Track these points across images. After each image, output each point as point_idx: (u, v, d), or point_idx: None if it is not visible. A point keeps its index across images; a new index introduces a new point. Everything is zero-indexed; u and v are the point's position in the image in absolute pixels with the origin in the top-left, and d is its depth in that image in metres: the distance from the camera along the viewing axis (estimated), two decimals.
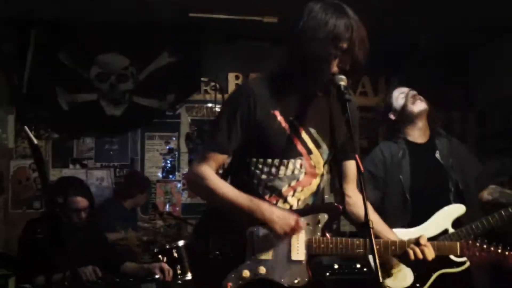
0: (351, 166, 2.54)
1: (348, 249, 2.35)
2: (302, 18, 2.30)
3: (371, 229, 2.05)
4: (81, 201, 3.74)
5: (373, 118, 6.47)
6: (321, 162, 2.44)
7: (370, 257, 3.21)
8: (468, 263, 3.22)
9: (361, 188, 2.11)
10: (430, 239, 3.10)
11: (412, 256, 2.36)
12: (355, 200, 2.55)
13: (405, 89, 3.64)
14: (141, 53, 6.03)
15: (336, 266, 4.33)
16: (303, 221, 2.33)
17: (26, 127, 1.81)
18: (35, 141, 1.78)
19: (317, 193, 2.49)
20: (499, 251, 2.51)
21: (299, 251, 2.33)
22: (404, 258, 2.39)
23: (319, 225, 2.37)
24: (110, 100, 6.00)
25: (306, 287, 2.32)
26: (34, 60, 5.84)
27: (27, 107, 5.92)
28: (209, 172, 2.36)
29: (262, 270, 2.31)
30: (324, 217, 2.38)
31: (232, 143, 2.36)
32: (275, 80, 2.39)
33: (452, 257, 3.17)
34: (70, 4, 5.34)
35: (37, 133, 5.91)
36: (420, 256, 2.36)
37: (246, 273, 2.30)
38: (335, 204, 2.43)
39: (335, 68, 2.28)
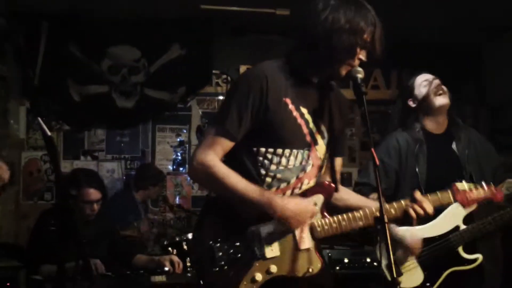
0: (338, 162, 2.53)
1: (351, 224, 2.35)
2: (324, 10, 2.26)
3: (386, 224, 2.05)
4: (94, 193, 3.74)
5: (386, 111, 6.49)
6: (324, 153, 2.43)
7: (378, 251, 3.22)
8: (480, 260, 3.18)
9: (376, 181, 2.11)
10: (441, 237, 3.15)
11: (413, 214, 2.39)
12: (342, 193, 2.51)
13: (429, 77, 3.46)
14: (152, 45, 6.02)
15: (346, 261, 4.31)
16: (314, 206, 2.31)
17: (39, 119, 1.80)
18: (49, 133, 1.78)
19: None
20: (487, 189, 2.59)
21: (305, 239, 2.30)
22: (406, 219, 2.41)
23: (317, 207, 2.34)
24: (122, 92, 5.99)
25: (321, 274, 2.31)
26: (46, 53, 5.84)
27: (39, 99, 5.92)
28: (216, 159, 2.24)
29: (274, 268, 2.26)
30: (320, 198, 2.35)
31: (242, 129, 2.25)
32: (288, 68, 2.35)
33: (462, 254, 3.16)
34: None
35: (48, 125, 5.89)
36: (421, 211, 2.39)
37: (258, 276, 2.24)
38: (327, 182, 2.41)
39: (357, 60, 2.29)
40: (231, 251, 2.24)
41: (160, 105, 6.07)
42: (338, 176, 2.51)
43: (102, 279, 3.39)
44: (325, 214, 2.36)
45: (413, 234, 3.07)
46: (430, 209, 2.41)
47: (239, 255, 2.24)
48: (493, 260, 3.25)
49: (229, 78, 6.16)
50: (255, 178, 2.29)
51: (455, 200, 2.57)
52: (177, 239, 4.33)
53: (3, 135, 5.65)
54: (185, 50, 6.07)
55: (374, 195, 3.04)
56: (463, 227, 3.18)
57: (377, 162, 2.14)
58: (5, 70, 5.61)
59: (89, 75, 5.92)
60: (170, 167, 6.21)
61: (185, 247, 4.23)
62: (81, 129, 6.06)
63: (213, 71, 6.21)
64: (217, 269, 2.22)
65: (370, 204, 2.44)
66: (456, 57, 6.41)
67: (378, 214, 2.33)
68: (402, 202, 2.42)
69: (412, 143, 3.36)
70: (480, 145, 3.48)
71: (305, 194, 2.34)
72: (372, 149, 2.16)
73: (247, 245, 2.25)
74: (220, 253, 2.23)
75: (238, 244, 2.25)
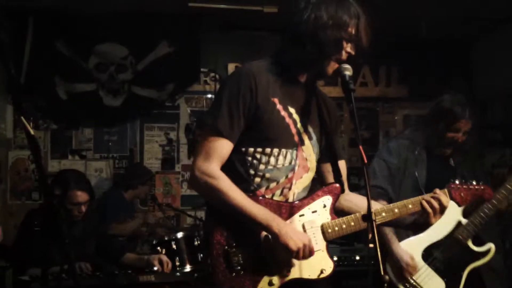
0: (342, 166, 2.51)
1: (360, 225, 2.35)
2: (306, 8, 2.28)
3: (373, 222, 2.05)
4: (82, 195, 3.72)
5: (374, 108, 6.51)
6: (312, 155, 2.42)
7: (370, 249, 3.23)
8: (493, 249, 3.23)
9: (365, 181, 2.10)
10: (447, 237, 3.24)
11: (429, 208, 2.40)
12: (350, 197, 2.53)
13: (461, 99, 3.47)
14: (140, 43, 5.98)
15: (335, 258, 4.31)
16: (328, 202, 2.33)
17: (22, 118, 1.77)
18: (32, 132, 1.75)
19: (310, 189, 2.45)
20: (477, 187, 2.65)
21: (317, 241, 2.31)
22: (425, 216, 2.41)
23: (326, 209, 2.36)
24: (109, 90, 5.95)
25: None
26: (32, 49, 5.78)
27: (25, 97, 5.86)
28: (218, 170, 2.23)
29: (289, 272, 2.27)
30: (328, 199, 2.37)
31: (236, 129, 2.24)
32: (276, 68, 2.36)
33: (474, 248, 3.23)
34: None
35: (35, 124, 5.88)
36: (436, 205, 2.40)
37: (275, 280, 2.25)
38: (334, 183, 2.42)
39: (343, 54, 2.29)
40: (246, 255, 2.24)
41: (148, 103, 6.04)
42: (344, 179, 2.50)
43: (88, 280, 3.36)
44: (333, 215, 2.37)
45: (412, 252, 3.23)
46: (446, 201, 2.42)
47: (254, 260, 2.25)
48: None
49: (217, 76, 6.14)
50: (245, 178, 2.29)
51: (451, 198, 2.58)
52: (166, 238, 4.31)
53: None
54: (173, 47, 6.05)
55: (384, 202, 3.10)
56: (464, 221, 3.25)
57: (365, 160, 2.13)
58: None
59: (76, 73, 5.87)
60: (159, 166, 6.17)
61: (174, 246, 4.22)
62: (68, 128, 6.00)
63: (201, 69, 6.19)
64: (234, 274, 2.22)
65: (378, 206, 2.45)
66: (444, 52, 6.43)
67: (384, 214, 2.37)
68: (419, 197, 2.44)
69: (411, 149, 3.46)
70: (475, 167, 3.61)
71: (313, 196, 2.37)
72: (360, 147, 2.15)
73: (262, 250, 2.25)
74: (236, 258, 2.23)
75: (253, 248, 2.25)
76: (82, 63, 5.88)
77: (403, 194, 3.25)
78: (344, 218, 2.36)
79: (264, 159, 2.30)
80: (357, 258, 4.30)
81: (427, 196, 2.45)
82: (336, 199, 2.40)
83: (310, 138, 2.40)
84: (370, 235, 3.76)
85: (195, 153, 2.31)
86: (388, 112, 6.63)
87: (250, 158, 2.30)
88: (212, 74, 6.20)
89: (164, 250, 4.15)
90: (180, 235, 4.30)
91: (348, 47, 2.30)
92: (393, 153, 3.45)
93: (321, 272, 2.32)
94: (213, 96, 6.17)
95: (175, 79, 6.06)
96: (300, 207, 2.33)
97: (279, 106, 2.31)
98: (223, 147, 2.24)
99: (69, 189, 3.66)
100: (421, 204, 2.42)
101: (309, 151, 2.40)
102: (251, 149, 2.30)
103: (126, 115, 6.05)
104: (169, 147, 6.20)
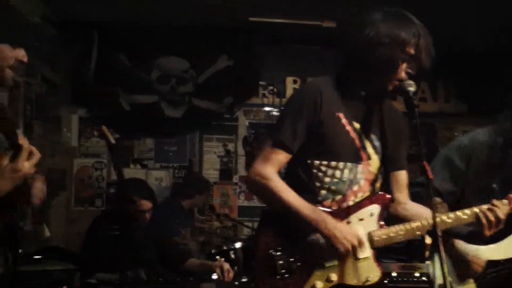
0: (402, 177, 2.53)
1: (408, 234, 2.34)
2: (366, 26, 2.31)
3: (439, 238, 2.06)
4: (146, 204, 3.84)
5: (432, 124, 6.42)
6: (378, 168, 2.44)
7: (430, 266, 3.16)
8: None
9: (429, 195, 2.11)
10: (506, 261, 2.94)
11: (484, 220, 2.37)
12: (409, 206, 2.51)
13: None
14: (200, 56, 6.13)
15: (394, 274, 4.27)
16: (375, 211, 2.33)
17: (104, 127, 1.87)
18: (113, 141, 1.85)
19: None
20: None
21: (364, 248, 2.31)
22: (479, 226, 2.38)
23: (373, 217, 2.36)
24: (170, 102, 6.11)
25: (379, 283, 2.32)
26: (97, 62, 6.01)
27: (90, 107, 6.10)
28: (273, 173, 2.31)
29: (334, 277, 2.29)
30: (376, 208, 2.37)
31: (297, 141, 2.32)
32: (340, 84, 2.41)
33: None
34: (132, 7, 5.48)
35: (99, 133, 6.05)
36: (492, 218, 2.37)
37: (319, 284, 2.27)
38: (383, 193, 2.41)
39: (403, 74, 2.30)
40: (291, 259, 2.28)
41: (207, 115, 6.17)
42: (406, 189, 2.52)
43: (150, 286, 3.45)
44: (382, 223, 2.38)
45: (478, 253, 2.97)
46: (503, 214, 2.39)
47: (299, 263, 2.28)
48: None
49: (275, 89, 6.22)
50: (310, 190, 2.35)
51: None
52: (224, 247, 4.38)
53: (55, 142, 5.82)
54: (232, 61, 6.17)
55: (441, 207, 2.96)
56: None
57: (430, 176, 2.14)
58: (57, 78, 5.79)
59: (138, 84, 6.07)
60: (217, 177, 6.28)
61: (232, 256, 4.28)
62: (130, 138, 6.19)
63: (260, 82, 6.28)
64: (279, 277, 2.26)
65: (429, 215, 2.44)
66: (502, 64, 6.27)
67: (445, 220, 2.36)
68: (474, 208, 2.42)
69: (485, 145, 3.11)
70: None
71: (360, 204, 2.37)
72: (425, 163, 2.17)
73: (307, 254, 2.29)
74: (281, 262, 2.27)
75: (297, 252, 2.29)
76: (144, 76, 6.07)
77: (468, 197, 3.02)
78: (392, 227, 2.36)
79: (329, 172, 2.34)
80: (416, 275, 4.24)
81: (483, 208, 2.42)
82: (384, 208, 2.39)
83: (377, 153, 2.43)
84: (427, 253, 3.69)
85: (255, 159, 2.40)
86: (446, 128, 6.55)
87: (315, 171, 2.35)
88: (271, 88, 6.28)
89: (222, 259, 4.21)
90: (238, 245, 4.37)
91: (406, 67, 2.30)
92: (461, 154, 3.09)
93: (367, 280, 2.31)
94: (271, 109, 6.26)
95: (234, 92, 6.18)
96: (347, 214, 2.34)
97: (344, 121, 2.35)
98: (281, 157, 2.33)
99: (134, 197, 3.78)
100: (476, 216, 2.40)
101: (375, 165, 2.42)
102: (317, 162, 2.35)
103: (186, 126, 6.20)
104: (227, 158, 6.31)
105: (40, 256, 4.02)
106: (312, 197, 2.33)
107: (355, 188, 2.37)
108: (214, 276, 3.77)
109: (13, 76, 1.88)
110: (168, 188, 6.15)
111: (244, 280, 4.22)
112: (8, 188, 1.85)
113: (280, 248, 2.29)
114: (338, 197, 2.35)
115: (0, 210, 1.90)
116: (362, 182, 2.38)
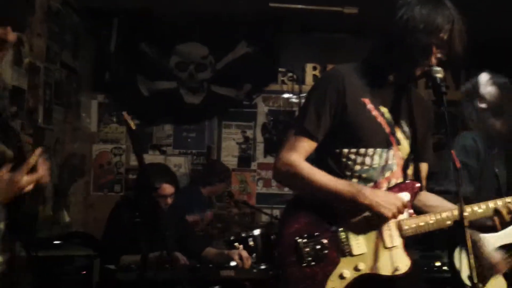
0: (424, 168, 2.49)
1: (439, 224, 2.31)
2: (400, 8, 2.26)
3: (465, 228, 2.02)
4: (169, 188, 3.83)
5: (455, 114, 6.33)
6: (408, 154, 2.40)
7: (456, 257, 3.12)
8: None
9: (457, 184, 2.08)
10: None
11: (506, 215, 2.35)
12: (422, 196, 2.48)
13: (499, 79, 3.31)
14: (220, 42, 6.11)
15: None
16: (405, 199, 2.28)
17: (125, 113, 1.86)
18: (133, 127, 1.84)
19: None
20: None
21: (392, 237, 2.28)
22: (501, 219, 2.36)
23: None
24: (189, 88, 6.10)
25: (409, 273, 2.27)
26: (116, 48, 6.01)
27: (109, 93, 6.11)
28: (300, 159, 2.28)
29: (362, 265, 2.26)
30: (405, 196, 2.32)
31: (321, 129, 2.28)
32: (365, 69, 2.37)
33: None
34: None
35: (118, 119, 6.10)
36: (505, 214, 2.35)
37: (346, 273, 2.24)
38: (413, 181, 2.38)
39: (433, 60, 2.26)
40: (318, 247, 2.25)
41: (226, 101, 6.16)
42: (424, 183, 2.48)
43: (170, 272, 3.44)
44: (411, 212, 2.34)
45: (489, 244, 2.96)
46: None
47: (326, 251, 2.25)
48: None
49: (294, 76, 6.17)
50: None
51: None
52: (243, 234, 4.36)
53: (75, 127, 5.85)
54: (252, 47, 6.13)
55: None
56: None
57: (458, 164, 2.10)
58: (77, 64, 5.80)
59: (157, 71, 6.07)
60: (235, 164, 6.27)
61: (251, 243, 4.26)
62: (149, 124, 6.19)
63: (279, 69, 6.23)
64: (305, 264, 2.24)
65: (451, 206, 2.40)
66: None
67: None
68: (497, 201, 2.40)
69: (487, 143, 3.21)
70: None
71: (392, 191, 2.32)
72: (452, 151, 2.13)
73: (334, 242, 2.26)
74: (307, 249, 2.25)
75: (324, 240, 2.26)
76: (163, 62, 6.06)
77: (481, 194, 3.03)
78: (422, 216, 2.32)
79: (359, 159, 2.30)
80: (437, 264, 4.21)
81: (499, 203, 2.39)
82: (414, 196, 2.36)
83: (406, 138, 2.39)
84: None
85: (280, 148, 2.37)
86: None
87: (345, 160, 2.32)
88: (290, 74, 6.24)
89: (241, 246, 4.19)
90: (257, 232, 4.35)
91: (438, 53, 2.25)
92: (471, 155, 3.15)
93: (396, 269, 2.26)
94: (290, 96, 6.22)
95: (253, 79, 6.15)
96: None
97: (369, 106, 2.31)
98: (307, 145, 2.30)
99: (156, 182, 3.76)
100: (497, 209, 2.37)
101: (406, 150, 2.38)
102: (346, 150, 2.31)
103: (205, 113, 6.18)
104: (245, 145, 6.29)
105: (60, 242, 4.05)
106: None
107: (388, 174, 2.33)
108: (233, 263, 3.76)
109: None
110: (186, 174, 6.16)
111: (263, 267, 4.22)
112: (1, 197, 1.81)
113: (306, 235, 2.26)
114: (370, 184, 2.30)
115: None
116: (395, 168, 2.34)
